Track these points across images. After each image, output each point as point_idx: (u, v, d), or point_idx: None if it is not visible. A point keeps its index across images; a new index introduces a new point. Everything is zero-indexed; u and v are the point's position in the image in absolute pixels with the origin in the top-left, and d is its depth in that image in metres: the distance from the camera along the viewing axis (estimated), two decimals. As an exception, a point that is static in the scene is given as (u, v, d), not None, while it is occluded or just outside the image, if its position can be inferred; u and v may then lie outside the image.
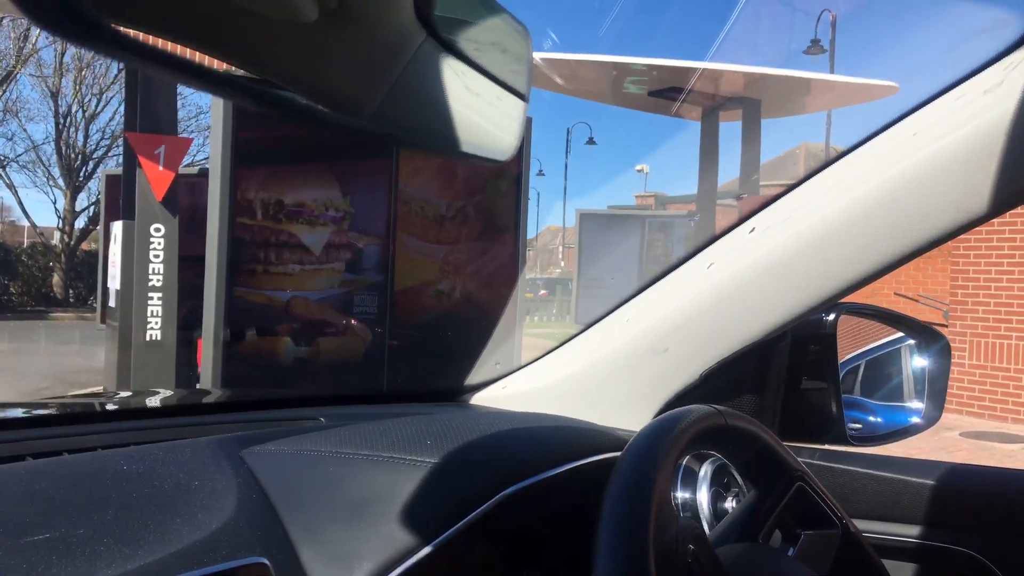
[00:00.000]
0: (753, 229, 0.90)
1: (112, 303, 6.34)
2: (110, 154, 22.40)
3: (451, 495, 0.70)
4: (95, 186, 23.36)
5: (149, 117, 5.90)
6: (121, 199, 6.56)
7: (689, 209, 8.68)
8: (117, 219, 7.03)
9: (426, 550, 0.64)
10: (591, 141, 23.52)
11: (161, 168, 5.76)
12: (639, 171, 27.17)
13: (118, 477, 0.71)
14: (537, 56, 6.83)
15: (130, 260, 5.95)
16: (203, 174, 7.18)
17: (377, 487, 0.68)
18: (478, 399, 1.09)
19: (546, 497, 0.77)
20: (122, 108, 23.02)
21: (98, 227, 24.70)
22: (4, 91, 20.45)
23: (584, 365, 1.02)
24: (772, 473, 0.80)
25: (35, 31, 20.83)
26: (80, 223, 23.05)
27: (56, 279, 21.00)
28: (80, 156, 21.66)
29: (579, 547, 0.67)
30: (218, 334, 3.91)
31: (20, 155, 22.30)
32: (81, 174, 21.89)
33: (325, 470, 0.72)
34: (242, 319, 4.07)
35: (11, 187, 21.92)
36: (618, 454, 0.67)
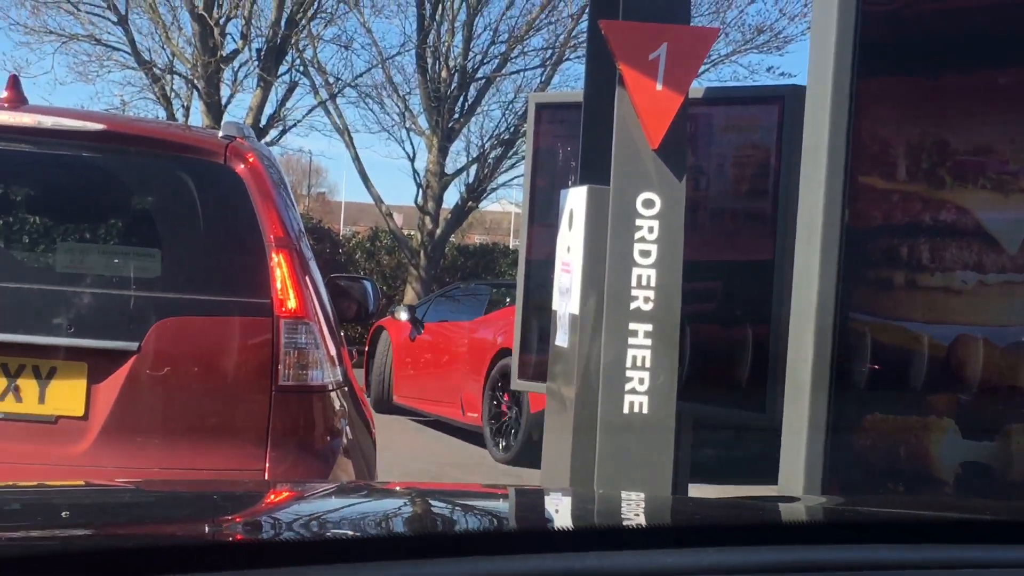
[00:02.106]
0: None
1: (562, 340, 6.81)
2: (506, 71, 24.58)
3: None
4: (476, 127, 25.77)
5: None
6: (579, 148, 7.06)
7: None
8: (566, 184, 7.57)
9: None
10: None
11: (660, 87, 6.06)
12: None
13: None
14: None
15: (597, 261, 6.35)
16: (708, 102, 7.46)
17: None
18: None
19: None
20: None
21: (467, 197, 27.09)
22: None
23: None
24: None
25: None
26: (450, 198, 25.46)
27: (409, 294, 23.51)
28: (456, 74, 24.05)
29: None
30: (818, 400, 3.99)
31: (360, 75, 25.21)
32: (457, 107, 24.30)
33: None
34: (855, 373, 4.11)
35: (343, 131, 24.71)
36: None
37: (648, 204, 6.00)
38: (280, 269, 4.37)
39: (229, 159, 4.53)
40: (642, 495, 3.79)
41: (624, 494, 3.51)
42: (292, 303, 4.35)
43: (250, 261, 4.41)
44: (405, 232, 26.03)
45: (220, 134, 4.75)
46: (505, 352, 11.59)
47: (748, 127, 7.06)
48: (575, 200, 6.70)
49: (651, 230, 5.99)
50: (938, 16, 4.47)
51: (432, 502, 2.24)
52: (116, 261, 4.49)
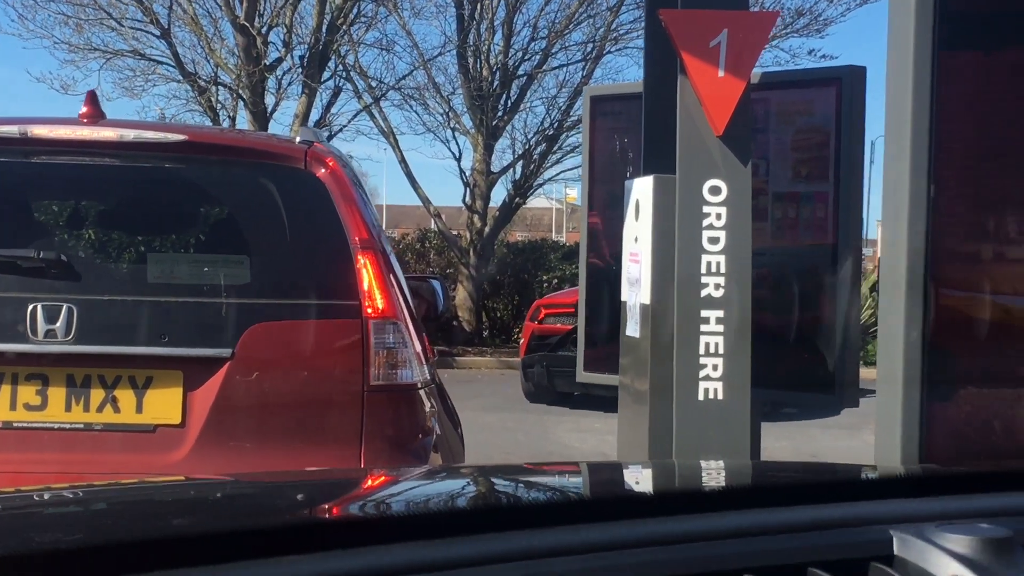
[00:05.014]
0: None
1: (633, 330, 6.78)
2: (547, 67, 24.53)
3: None
4: (520, 124, 25.72)
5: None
6: (641, 138, 7.02)
7: None
8: (623, 176, 7.53)
9: None
10: None
11: (722, 74, 6.04)
12: None
13: None
14: None
15: (666, 249, 6.32)
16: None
17: None
18: None
19: None
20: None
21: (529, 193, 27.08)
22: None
23: None
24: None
25: None
26: (498, 195, 25.45)
27: (460, 294, 23.50)
28: (497, 72, 24.02)
29: None
30: (912, 373, 3.95)
31: (403, 78, 25.15)
32: (500, 105, 24.26)
33: None
34: (945, 346, 4.07)
35: (389, 134, 24.72)
36: None
37: (715, 191, 5.96)
38: (366, 271, 4.37)
39: (310, 164, 4.55)
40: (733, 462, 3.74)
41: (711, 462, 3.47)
42: (380, 303, 4.35)
43: (336, 264, 4.42)
44: (452, 232, 26.00)
45: (298, 139, 4.78)
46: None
47: (805, 111, 7.00)
48: (641, 190, 6.65)
49: (719, 216, 5.94)
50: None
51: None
52: (206, 269, 4.50)
